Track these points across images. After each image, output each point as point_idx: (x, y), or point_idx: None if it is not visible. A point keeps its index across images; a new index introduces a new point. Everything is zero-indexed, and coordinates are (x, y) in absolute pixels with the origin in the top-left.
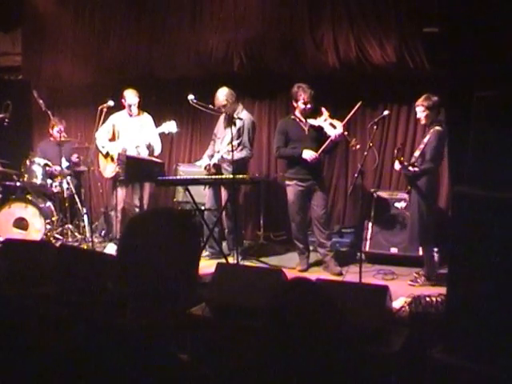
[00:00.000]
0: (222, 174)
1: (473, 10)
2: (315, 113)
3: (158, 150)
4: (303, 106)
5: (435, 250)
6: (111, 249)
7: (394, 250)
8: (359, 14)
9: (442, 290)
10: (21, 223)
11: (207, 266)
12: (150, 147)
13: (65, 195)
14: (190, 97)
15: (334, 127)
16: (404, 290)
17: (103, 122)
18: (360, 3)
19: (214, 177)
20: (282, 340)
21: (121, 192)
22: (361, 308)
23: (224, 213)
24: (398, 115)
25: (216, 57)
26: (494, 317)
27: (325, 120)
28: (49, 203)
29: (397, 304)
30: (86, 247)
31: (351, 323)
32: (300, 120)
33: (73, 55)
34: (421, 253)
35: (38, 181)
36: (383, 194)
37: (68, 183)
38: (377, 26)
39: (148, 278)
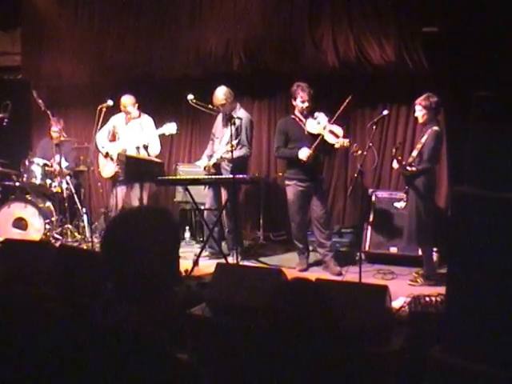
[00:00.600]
0: (221, 173)
1: (472, 10)
2: (313, 112)
3: (156, 151)
4: (301, 105)
5: (434, 249)
6: None
7: (393, 250)
8: (359, 14)
9: (442, 289)
10: (20, 223)
11: (207, 265)
12: (147, 148)
13: (64, 195)
14: (190, 96)
15: (336, 135)
16: (403, 289)
17: (102, 122)
18: (359, 3)
19: (213, 177)
20: (282, 340)
21: (120, 192)
22: (360, 308)
23: (224, 213)
24: (398, 115)
25: (215, 56)
26: (493, 316)
27: (324, 128)
28: (48, 203)
29: (396, 304)
30: (85, 247)
31: (351, 323)
32: (299, 119)
33: (72, 55)
34: (420, 252)
35: (38, 181)
36: (383, 194)
37: (67, 183)
38: (376, 25)
39: (128, 274)
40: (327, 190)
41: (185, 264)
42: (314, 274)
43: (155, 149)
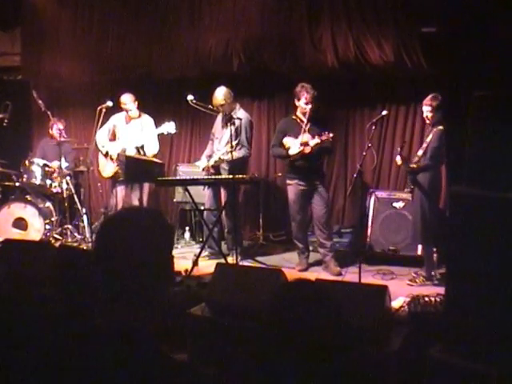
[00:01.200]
0: (220, 174)
1: (470, 10)
2: (316, 114)
3: (153, 151)
4: (304, 106)
5: (434, 249)
6: None
7: (393, 250)
8: (358, 14)
9: (441, 289)
10: (20, 223)
11: (207, 266)
12: (143, 148)
13: (64, 195)
14: (190, 97)
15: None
16: (403, 289)
17: (102, 122)
18: (358, 3)
19: (213, 177)
20: (283, 340)
21: (120, 192)
22: (360, 308)
23: (224, 213)
24: (397, 115)
25: (215, 57)
26: (492, 316)
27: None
28: (48, 203)
29: (396, 304)
30: (85, 247)
31: (351, 324)
32: (301, 120)
33: (72, 55)
34: (419, 252)
35: (38, 181)
36: (382, 194)
37: (67, 183)
38: (375, 26)
39: (121, 275)
40: (328, 190)
41: (184, 264)
42: (313, 274)
43: (153, 148)
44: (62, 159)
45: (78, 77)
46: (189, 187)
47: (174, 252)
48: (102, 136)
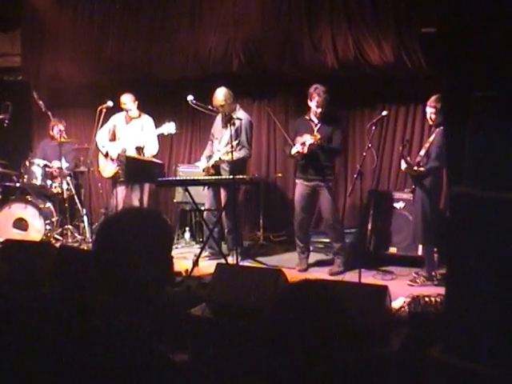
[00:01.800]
0: (221, 174)
1: (470, 10)
2: (329, 118)
3: (153, 152)
4: (315, 109)
5: (434, 249)
6: None
7: (393, 250)
8: (357, 15)
9: (441, 290)
10: (20, 224)
11: (207, 266)
12: (143, 149)
13: (64, 196)
14: (190, 97)
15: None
16: (403, 290)
17: (102, 123)
18: (358, 4)
19: (213, 177)
20: (286, 341)
21: (121, 193)
22: (360, 308)
23: (224, 213)
24: (397, 115)
25: (215, 57)
26: (493, 316)
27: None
28: (48, 204)
29: (396, 304)
30: (85, 248)
31: (357, 325)
32: (312, 121)
33: (72, 56)
34: (419, 253)
35: (38, 181)
36: (382, 195)
37: (68, 184)
38: (375, 26)
39: (121, 276)
40: (334, 192)
41: (185, 264)
42: (314, 274)
43: (153, 149)
44: (63, 160)
45: (78, 77)
46: (189, 187)
47: (175, 252)
48: (102, 136)
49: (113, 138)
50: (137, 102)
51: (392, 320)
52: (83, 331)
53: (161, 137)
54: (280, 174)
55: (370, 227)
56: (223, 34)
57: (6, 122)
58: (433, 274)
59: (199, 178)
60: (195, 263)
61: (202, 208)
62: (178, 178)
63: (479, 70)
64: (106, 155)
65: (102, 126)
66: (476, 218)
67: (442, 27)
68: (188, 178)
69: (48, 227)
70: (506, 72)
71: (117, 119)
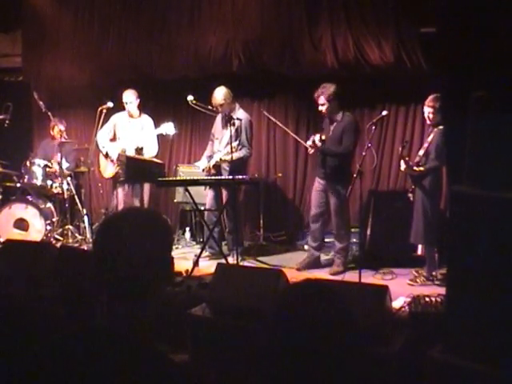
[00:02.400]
0: (221, 174)
1: (470, 10)
2: (342, 118)
3: (153, 152)
4: (320, 108)
5: (435, 249)
6: None
7: (393, 250)
8: (357, 15)
9: (442, 289)
10: (21, 224)
11: (207, 266)
12: (142, 150)
13: (65, 196)
14: (190, 97)
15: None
16: (404, 289)
17: (103, 123)
18: (358, 4)
19: (214, 177)
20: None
21: (121, 193)
22: (360, 308)
23: (224, 213)
24: (397, 115)
25: (215, 57)
26: (493, 316)
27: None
28: (49, 204)
29: (396, 304)
30: (86, 248)
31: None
32: (329, 120)
33: (73, 57)
34: (419, 252)
35: (39, 182)
36: (382, 194)
37: (68, 184)
38: (375, 26)
39: (121, 276)
40: (340, 194)
41: (185, 264)
42: (314, 274)
43: (152, 150)
44: (63, 160)
45: (78, 78)
46: (189, 187)
47: (175, 252)
48: (102, 136)
49: (113, 138)
50: (139, 100)
51: (392, 320)
52: (83, 331)
53: (161, 137)
54: (280, 174)
55: (369, 227)
56: (223, 34)
57: (7, 122)
58: (433, 273)
59: (199, 178)
60: (195, 263)
61: (203, 208)
62: (178, 178)
63: (479, 69)
64: (106, 155)
65: (102, 126)
66: (476, 218)
67: (442, 27)
68: (188, 178)
69: (48, 227)
70: (505, 72)
71: (117, 118)
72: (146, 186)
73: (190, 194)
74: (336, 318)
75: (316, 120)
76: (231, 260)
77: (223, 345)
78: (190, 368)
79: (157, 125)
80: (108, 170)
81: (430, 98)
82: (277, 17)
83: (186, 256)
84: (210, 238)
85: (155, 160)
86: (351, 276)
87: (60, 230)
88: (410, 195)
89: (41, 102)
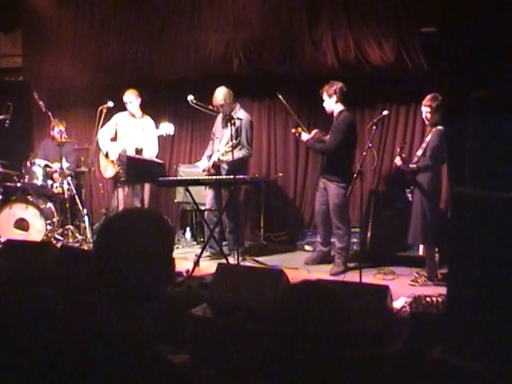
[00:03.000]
0: (221, 174)
1: (470, 10)
2: (337, 116)
3: (153, 153)
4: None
5: (436, 249)
6: None
7: (394, 250)
8: (358, 15)
9: (443, 290)
10: (21, 224)
11: (208, 266)
12: (142, 151)
13: (65, 196)
14: (190, 97)
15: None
16: (404, 289)
17: (103, 123)
18: (358, 4)
19: (214, 177)
20: (287, 342)
21: (121, 193)
22: (361, 308)
23: (224, 213)
24: (397, 115)
25: (215, 57)
26: (494, 317)
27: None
28: (49, 204)
29: (397, 304)
30: (86, 248)
31: (358, 325)
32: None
33: (73, 56)
34: (421, 253)
35: (39, 182)
36: (382, 194)
37: (69, 184)
38: (375, 26)
39: (122, 276)
40: (333, 193)
41: (186, 264)
42: (313, 274)
43: (152, 151)
44: (63, 160)
45: (78, 78)
46: (190, 187)
47: (175, 252)
48: (103, 136)
49: (115, 138)
50: (140, 100)
51: (393, 320)
52: (83, 332)
53: (161, 137)
54: (280, 174)
55: (370, 227)
56: (223, 34)
57: (7, 122)
58: (434, 274)
59: (200, 177)
60: (196, 263)
61: (203, 208)
62: (178, 177)
63: (479, 69)
64: (107, 155)
65: (102, 125)
66: (478, 218)
67: (443, 27)
68: (189, 177)
69: (49, 227)
70: (506, 71)
71: (119, 118)
72: (147, 186)
73: (190, 193)
74: (335, 319)
75: (317, 120)
76: (232, 260)
77: (224, 345)
78: (190, 368)
79: (157, 125)
80: (108, 170)
81: (428, 97)
82: (277, 17)
83: (187, 256)
84: (210, 237)
85: (156, 160)
86: (352, 276)
87: (60, 230)
88: (409, 195)
89: (41, 102)
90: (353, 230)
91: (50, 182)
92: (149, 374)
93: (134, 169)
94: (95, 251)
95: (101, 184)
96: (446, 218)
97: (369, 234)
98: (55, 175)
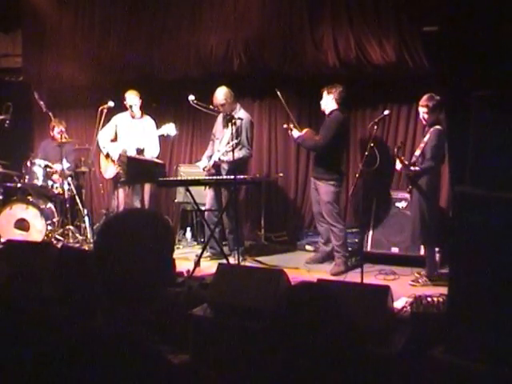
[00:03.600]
0: (221, 174)
1: (472, 9)
2: (328, 115)
3: (154, 153)
4: None
5: (436, 249)
6: None
7: (395, 250)
8: (359, 14)
9: (444, 290)
10: (22, 224)
11: (208, 266)
12: (143, 151)
13: (66, 196)
14: (191, 97)
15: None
16: (405, 290)
17: (103, 123)
18: (360, 3)
19: (214, 177)
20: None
21: (122, 193)
22: (362, 308)
23: (225, 213)
24: (399, 115)
25: (216, 57)
26: (494, 317)
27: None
28: (50, 204)
29: (398, 304)
30: (87, 248)
31: (358, 326)
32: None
33: (73, 56)
34: (422, 253)
35: (39, 182)
36: (384, 194)
37: (69, 184)
38: (376, 25)
39: (122, 277)
40: (323, 191)
41: (186, 265)
42: (314, 274)
43: (154, 151)
44: (64, 160)
45: (79, 78)
46: (190, 187)
47: (176, 253)
48: (103, 136)
49: (115, 139)
50: (140, 101)
51: (394, 320)
52: (83, 332)
53: (161, 137)
54: (281, 174)
55: (372, 227)
56: (224, 33)
57: (7, 122)
58: (434, 274)
59: (200, 178)
60: (197, 263)
61: (203, 208)
62: (178, 178)
63: (481, 69)
64: (107, 156)
65: (103, 126)
66: (478, 218)
67: (444, 26)
68: (189, 178)
69: (49, 228)
70: (508, 71)
71: (119, 119)
72: (147, 186)
73: (190, 194)
74: (335, 319)
75: (317, 120)
76: (232, 260)
77: (224, 345)
78: (190, 368)
79: (158, 125)
80: (109, 171)
81: (424, 97)
82: (278, 16)
83: (187, 256)
84: (210, 238)
85: (156, 160)
86: (353, 276)
87: (61, 230)
88: (408, 195)
89: (41, 102)
90: (353, 230)
91: (50, 182)
92: (149, 374)
93: (134, 169)
94: (95, 251)
95: (101, 184)
96: (446, 217)
97: (370, 234)
98: (55, 175)
